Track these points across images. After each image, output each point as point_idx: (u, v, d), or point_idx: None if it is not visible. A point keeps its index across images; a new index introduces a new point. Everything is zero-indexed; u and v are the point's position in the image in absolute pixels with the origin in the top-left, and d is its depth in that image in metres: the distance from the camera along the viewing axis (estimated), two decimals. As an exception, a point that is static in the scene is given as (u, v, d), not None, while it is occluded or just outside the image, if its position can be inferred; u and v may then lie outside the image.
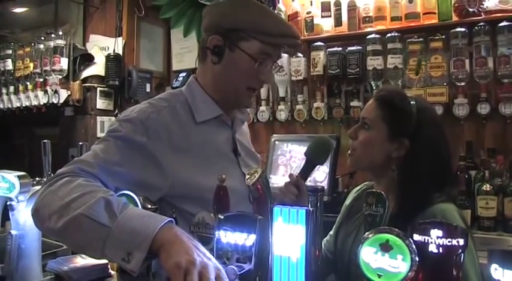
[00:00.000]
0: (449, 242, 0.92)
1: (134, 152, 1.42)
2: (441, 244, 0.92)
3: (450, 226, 0.94)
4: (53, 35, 3.93)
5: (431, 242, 0.93)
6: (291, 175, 1.58)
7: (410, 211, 1.49)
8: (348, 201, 1.85)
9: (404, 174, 1.58)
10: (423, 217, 1.34)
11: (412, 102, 1.61)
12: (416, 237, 0.95)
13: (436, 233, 0.93)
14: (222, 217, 1.14)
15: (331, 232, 1.83)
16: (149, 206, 1.35)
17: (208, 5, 1.66)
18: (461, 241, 0.92)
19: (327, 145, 1.63)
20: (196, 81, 1.65)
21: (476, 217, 2.66)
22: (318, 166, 1.60)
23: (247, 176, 1.35)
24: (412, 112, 1.59)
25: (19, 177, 1.60)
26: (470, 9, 2.89)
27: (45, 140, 1.94)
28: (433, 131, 1.61)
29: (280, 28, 1.54)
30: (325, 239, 1.84)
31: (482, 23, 2.86)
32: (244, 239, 1.10)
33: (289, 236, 1.05)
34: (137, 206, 1.28)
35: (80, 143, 1.94)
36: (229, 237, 1.12)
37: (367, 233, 0.99)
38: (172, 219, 1.17)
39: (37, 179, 1.84)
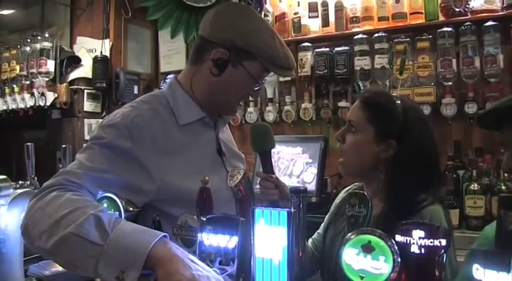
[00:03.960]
0: (431, 242, 0.91)
1: (120, 158, 1.39)
2: (423, 244, 0.92)
3: (432, 226, 0.93)
4: (39, 37, 3.91)
5: (414, 243, 0.93)
6: (257, 174, 1.58)
7: (399, 212, 1.46)
8: (337, 200, 1.84)
9: (393, 175, 1.56)
10: None
11: (397, 102, 1.60)
12: (398, 238, 0.94)
13: (418, 233, 0.92)
14: (205, 219, 1.13)
15: (320, 230, 1.81)
16: (131, 208, 1.34)
17: (213, 10, 1.63)
18: (444, 242, 0.91)
19: (262, 128, 1.61)
20: (177, 82, 1.63)
21: (465, 216, 2.67)
22: (271, 151, 1.58)
23: (230, 177, 1.34)
24: (398, 112, 1.57)
25: (-1, 180, 1.58)
26: (457, 9, 2.91)
27: (28, 143, 1.91)
28: (420, 131, 1.60)
29: (286, 62, 1.56)
30: (312, 237, 1.82)
31: (468, 23, 2.88)
32: (226, 241, 1.09)
33: (271, 238, 1.04)
34: (119, 209, 1.26)
35: (63, 146, 1.92)
36: (211, 239, 1.11)
37: (349, 234, 0.99)
38: (166, 234, 1.16)
39: (20, 182, 1.81)
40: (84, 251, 1.14)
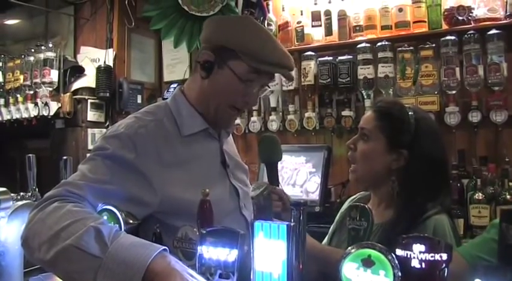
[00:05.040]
0: (432, 257, 0.90)
1: (123, 169, 1.38)
2: (424, 259, 0.91)
3: (433, 240, 0.92)
4: (43, 47, 3.91)
5: (414, 257, 0.92)
6: None
7: (406, 220, 1.50)
8: (343, 209, 1.85)
9: (405, 185, 1.58)
10: (417, 232, 1.33)
11: (410, 113, 1.61)
12: (398, 252, 0.93)
13: (418, 248, 0.91)
14: (205, 232, 1.12)
15: (325, 240, 1.82)
16: (131, 221, 1.33)
17: (209, 18, 1.64)
18: (445, 256, 0.90)
19: (273, 140, 1.61)
20: (182, 93, 1.62)
21: (469, 226, 2.64)
22: (278, 163, 1.58)
23: (252, 189, 1.35)
24: (410, 122, 1.60)
25: (-2, 193, 1.57)
26: (460, 18, 2.90)
27: (30, 154, 1.91)
28: (431, 141, 1.62)
29: (272, 57, 1.49)
30: None
31: (472, 31, 2.88)
32: (226, 254, 1.08)
33: (270, 252, 1.03)
34: (119, 222, 1.26)
35: (64, 158, 1.91)
36: (211, 252, 1.10)
37: (349, 248, 0.98)
38: (165, 247, 1.15)
39: (21, 194, 1.80)
40: (83, 264, 1.14)
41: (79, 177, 1.37)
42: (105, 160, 1.39)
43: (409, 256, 0.92)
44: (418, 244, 0.91)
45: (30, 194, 1.84)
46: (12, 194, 1.68)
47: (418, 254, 0.91)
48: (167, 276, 1.07)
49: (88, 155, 1.45)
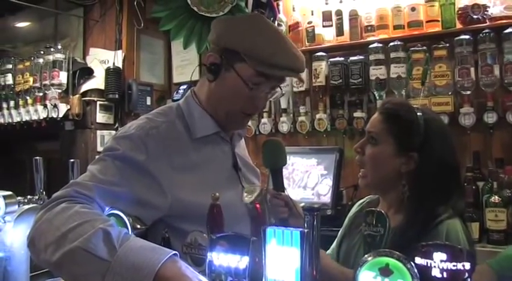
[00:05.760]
0: (454, 266, 0.86)
1: (133, 171, 1.35)
2: (445, 268, 0.86)
3: (455, 248, 0.87)
4: (52, 49, 3.91)
5: (435, 266, 0.87)
6: (267, 190, 1.50)
7: (417, 225, 1.45)
8: (351, 213, 1.81)
9: (415, 188, 1.53)
10: (429, 237, 1.30)
11: (418, 114, 1.57)
12: (418, 260, 0.89)
13: (439, 256, 0.87)
14: (215, 238, 1.08)
15: (333, 245, 1.78)
16: (139, 226, 1.30)
17: (217, 19, 1.60)
18: (468, 265, 0.85)
19: (274, 145, 1.54)
20: (194, 95, 1.59)
21: (485, 230, 2.59)
22: (282, 168, 1.51)
23: (245, 194, 1.30)
24: (420, 124, 1.55)
25: (4, 197, 1.55)
26: (475, 16, 2.84)
27: (37, 157, 1.88)
28: (442, 142, 1.57)
29: (280, 60, 1.44)
30: (327, 252, 1.78)
31: (487, 30, 2.82)
32: (237, 261, 1.04)
33: (283, 259, 0.98)
34: (126, 226, 1.23)
35: (71, 160, 1.88)
36: (221, 259, 1.06)
37: (366, 255, 0.93)
38: (176, 252, 1.12)
39: (28, 197, 1.78)
40: (91, 267, 1.11)
41: (88, 177, 1.34)
42: (115, 161, 1.36)
43: (429, 265, 0.87)
44: (439, 252, 0.87)
45: (37, 197, 1.81)
46: (19, 198, 1.66)
47: (439, 263, 0.86)
48: None
49: (97, 156, 1.42)
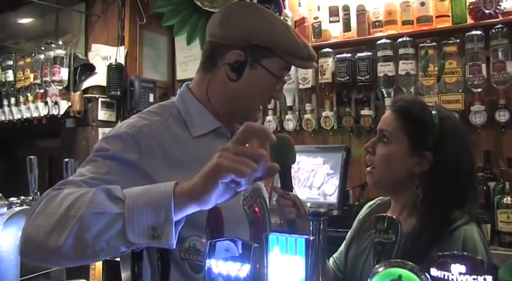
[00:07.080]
0: (474, 279, 0.78)
1: (126, 170, 1.29)
2: (464, 281, 0.78)
3: (475, 260, 0.79)
4: (53, 45, 3.88)
5: (452, 279, 0.79)
6: (274, 189, 1.46)
7: (432, 231, 1.40)
8: (360, 216, 1.75)
9: (429, 191, 1.48)
10: (444, 244, 1.27)
11: (433, 112, 1.50)
12: (434, 272, 0.81)
13: (458, 268, 0.79)
14: (214, 244, 1.01)
15: (341, 248, 1.72)
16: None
17: (220, 14, 1.52)
18: (489, 279, 0.77)
19: (284, 141, 1.45)
20: (189, 91, 1.53)
21: (497, 232, 2.52)
22: (291, 166, 1.45)
23: (242, 197, 1.23)
24: (435, 122, 1.49)
25: (-8, 199, 1.48)
26: (487, 11, 2.77)
27: (31, 156, 1.83)
28: (457, 142, 1.52)
29: (305, 51, 1.46)
30: (334, 255, 1.73)
31: (499, 25, 2.75)
32: (237, 269, 0.97)
33: (286, 268, 0.91)
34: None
35: (66, 160, 1.81)
36: (221, 267, 0.99)
37: (377, 265, 0.86)
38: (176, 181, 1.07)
39: (22, 197, 1.71)
40: (106, 227, 1.03)
41: (77, 176, 1.27)
42: (106, 160, 1.29)
43: (446, 278, 0.80)
44: (458, 264, 0.79)
45: (31, 198, 1.75)
46: (11, 199, 1.60)
47: (457, 275, 0.79)
48: (198, 183, 1.03)
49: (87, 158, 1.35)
